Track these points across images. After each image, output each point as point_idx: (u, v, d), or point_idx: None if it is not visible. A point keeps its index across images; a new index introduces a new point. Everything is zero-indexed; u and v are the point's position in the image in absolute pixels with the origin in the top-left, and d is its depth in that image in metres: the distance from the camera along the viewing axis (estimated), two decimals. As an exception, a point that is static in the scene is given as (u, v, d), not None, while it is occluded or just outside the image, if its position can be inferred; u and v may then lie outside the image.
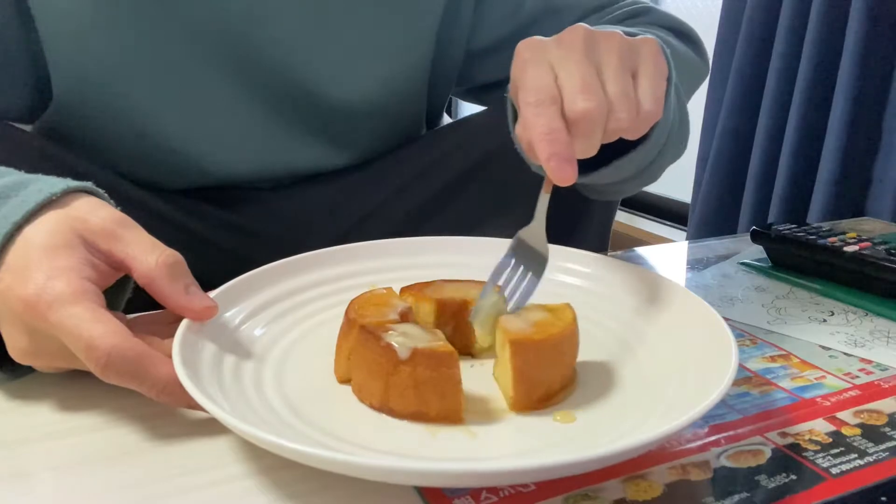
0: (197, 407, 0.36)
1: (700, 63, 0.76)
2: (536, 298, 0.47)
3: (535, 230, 0.48)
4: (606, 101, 0.43)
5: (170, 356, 0.39)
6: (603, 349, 0.48)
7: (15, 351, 0.41)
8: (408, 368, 0.40)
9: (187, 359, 0.39)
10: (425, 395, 0.40)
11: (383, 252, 0.58)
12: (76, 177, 0.45)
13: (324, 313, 0.52)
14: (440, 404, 0.40)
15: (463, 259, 0.57)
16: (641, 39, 0.48)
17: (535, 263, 0.47)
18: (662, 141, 0.55)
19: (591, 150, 0.44)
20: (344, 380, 0.44)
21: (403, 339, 0.41)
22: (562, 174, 0.41)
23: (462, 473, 0.33)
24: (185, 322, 0.42)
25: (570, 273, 0.57)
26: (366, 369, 0.42)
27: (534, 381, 0.41)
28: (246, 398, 0.41)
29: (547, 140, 0.42)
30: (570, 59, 0.44)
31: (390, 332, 0.42)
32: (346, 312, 0.45)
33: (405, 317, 0.45)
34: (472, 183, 0.75)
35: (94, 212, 0.43)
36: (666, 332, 0.48)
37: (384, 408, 0.41)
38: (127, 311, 0.47)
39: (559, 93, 0.44)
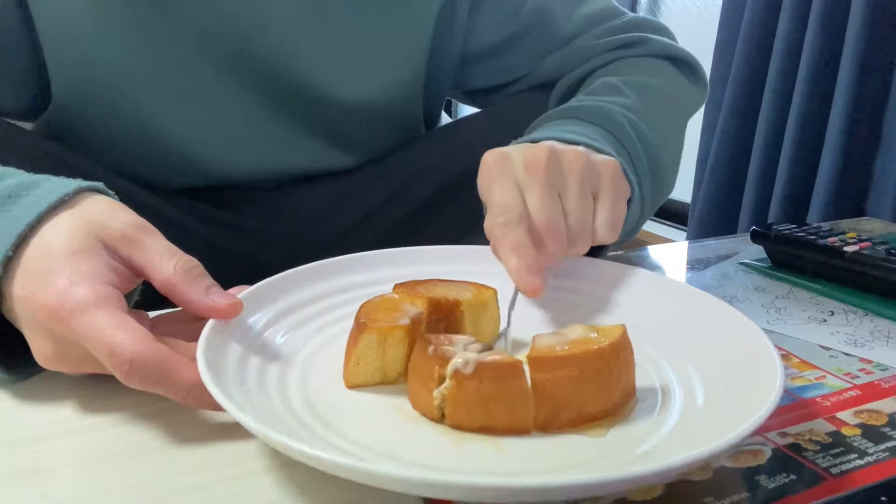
0: (221, 409, 0.36)
1: (695, 91, 0.76)
2: (584, 318, 0.47)
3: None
4: (567, 235, 0.46)
5: (193, 359, 0.38)
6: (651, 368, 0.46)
7: (41, 357, 0.41)
8: (473, 384, 0.38)
9: (212, 363, 0.38)
10: (493, 409, 0.38)
11: (409, 259, 0.56)
12: (76, 175, 0.45)
13: (348, 320, 0.49)
14: (509, 418, 0.38)
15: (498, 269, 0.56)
16: (602, 162, 0.50)
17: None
18: (629, 229, 0.58)
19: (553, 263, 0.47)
20: (353, 386, 0.44)
21: (464, 353, 0.39)
22: (531, 284, 0.44)
23: (477, 487, 0.30)
24: (208, 326, 0.41)
25: (622, 289, 0.54)
26: (419, 382, 0.40)
27: (557, 401, 0.39)
28: (270, 402, 0.40)
29: (515, 254, 0.44)
30: (535, 183, 0.47)
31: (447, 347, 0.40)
32: (356, 317, 0.45)
33: (416, 322, 0.45)
34: (472, 183, 0.75)
35: (114, 216, 0.42)
36: (716, 355, 0.45)
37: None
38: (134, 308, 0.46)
39: (526, 211, 0.46)
